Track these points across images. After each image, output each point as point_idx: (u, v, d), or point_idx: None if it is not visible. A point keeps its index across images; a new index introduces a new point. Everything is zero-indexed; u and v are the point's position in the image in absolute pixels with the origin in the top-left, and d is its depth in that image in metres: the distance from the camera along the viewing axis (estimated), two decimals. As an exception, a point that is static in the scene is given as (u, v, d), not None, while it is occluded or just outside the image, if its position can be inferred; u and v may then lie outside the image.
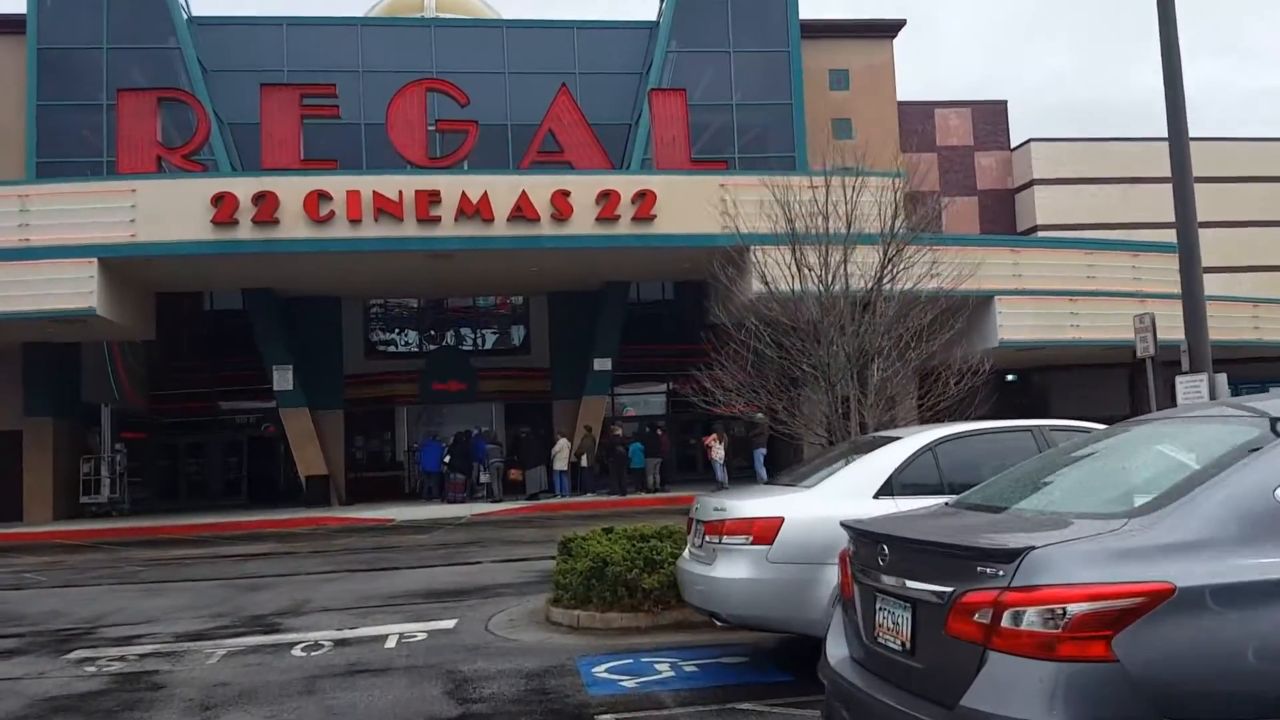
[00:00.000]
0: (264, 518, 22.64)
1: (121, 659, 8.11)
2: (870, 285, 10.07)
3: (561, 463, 25.24)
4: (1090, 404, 32.55)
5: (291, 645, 8.31)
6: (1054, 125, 69.55)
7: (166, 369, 29.68)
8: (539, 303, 30.16)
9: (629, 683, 6.31)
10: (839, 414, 9.37)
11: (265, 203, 21.21)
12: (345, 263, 22.76)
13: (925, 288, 10.91)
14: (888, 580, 3.39)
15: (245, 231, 21.33)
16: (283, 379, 25.29)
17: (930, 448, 6.31)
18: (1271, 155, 35.17)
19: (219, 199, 21.18)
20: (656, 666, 6.68)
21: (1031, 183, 32.73)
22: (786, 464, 26.59)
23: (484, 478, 25.54)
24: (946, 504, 4.10)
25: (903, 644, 3.31)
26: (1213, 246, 32.20)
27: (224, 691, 6.84)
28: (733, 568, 6.08)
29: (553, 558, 13.64)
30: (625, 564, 7.99)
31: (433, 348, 30.95)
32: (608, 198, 22.18)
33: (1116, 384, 30.87)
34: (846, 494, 6.20)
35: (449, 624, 8.82)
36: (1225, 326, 28.42)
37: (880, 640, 3.46)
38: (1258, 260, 33.37)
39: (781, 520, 6.01)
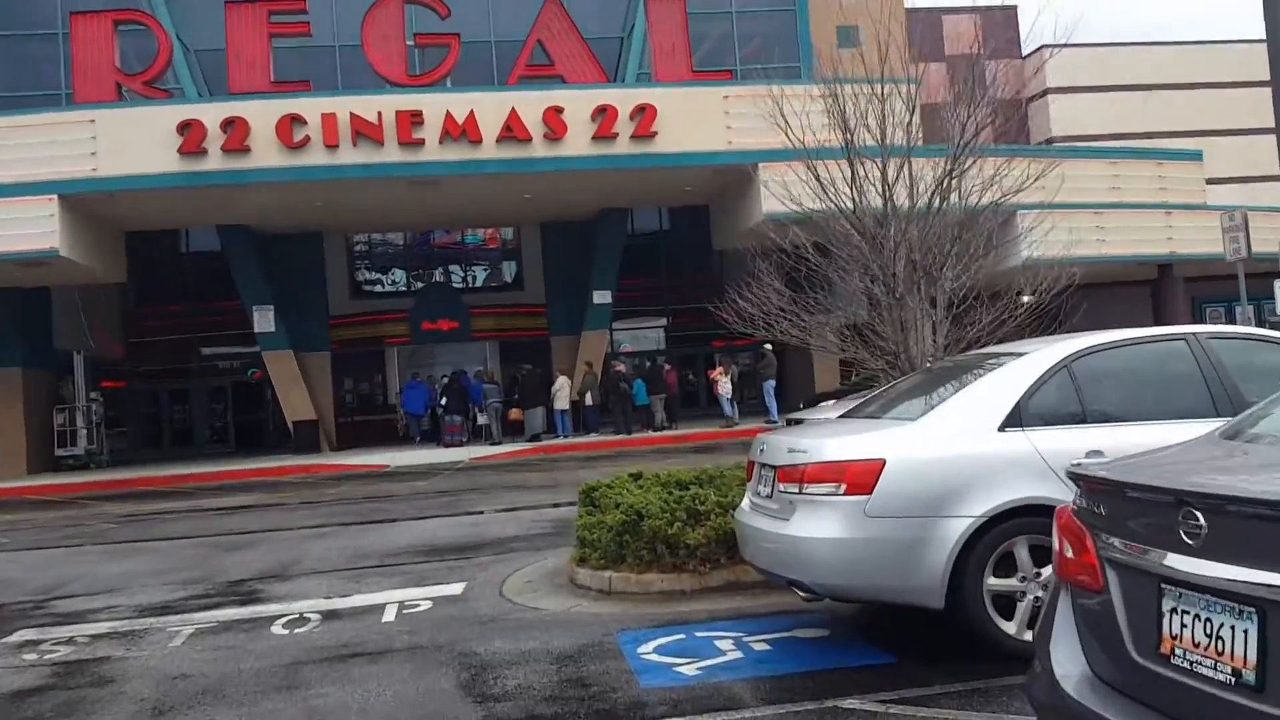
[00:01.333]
0: (250, 466, 21.35)
1: (70, 641, 6.83)
2: (931, 192, 8.64)
3: (563, 402, 23.94)
4: (1113, 325, 31.35)
5: (272, 620, 7.04)
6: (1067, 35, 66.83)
7: (143, 314, 28.25)
8: (531, 235, 28.61)
9: (688, 669, 5.02)
10: (901, 333, 8.03)
11: (234, 129, 19.63)
12: (324, 193, 21.21)
13: (983, 201, 9.43)
14: (1204, 567, 2.07)
15: (214, 161, 19.77)
16: (264, 320, 23.85)
17: (1066, 364, 4.96)
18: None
19: (185, 127, 19.60)
20: (717, 644, 5.40)
21: (1045, 92, 31.09)
22: (796, 396, 25.38)
23: (481, 419, 24.25)
24: (1220, 434, 2.76)
25: (1235, 671, 2.01)
26: (1238, 154, 30.84)
27: (184, 686, 5.57)
28: (819, 524, 4.77)
29: (562, 505, 12.43)
30: (664, 517, 6.69)
31: (420, 285, 29.45)
32: (604, 114, 20.61)
33: (1139, 303, 29.60)
34: (963, 427, 4.87)
35: (456, 588, 7.54)
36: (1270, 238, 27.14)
37: (1176, 659, 2.16)
38: (1280, 170, 31.89)
39: (883, 463, 4.69)
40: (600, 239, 24.95)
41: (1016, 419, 4.85)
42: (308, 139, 19.79)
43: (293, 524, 12.46)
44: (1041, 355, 5.04)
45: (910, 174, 8.59)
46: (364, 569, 8.78)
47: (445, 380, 25.20)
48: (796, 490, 4.91)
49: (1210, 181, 26.57)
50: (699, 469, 7.86)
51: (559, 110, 20.41)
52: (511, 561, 8.50)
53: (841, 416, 6.05)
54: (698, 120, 21.21)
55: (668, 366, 25.96)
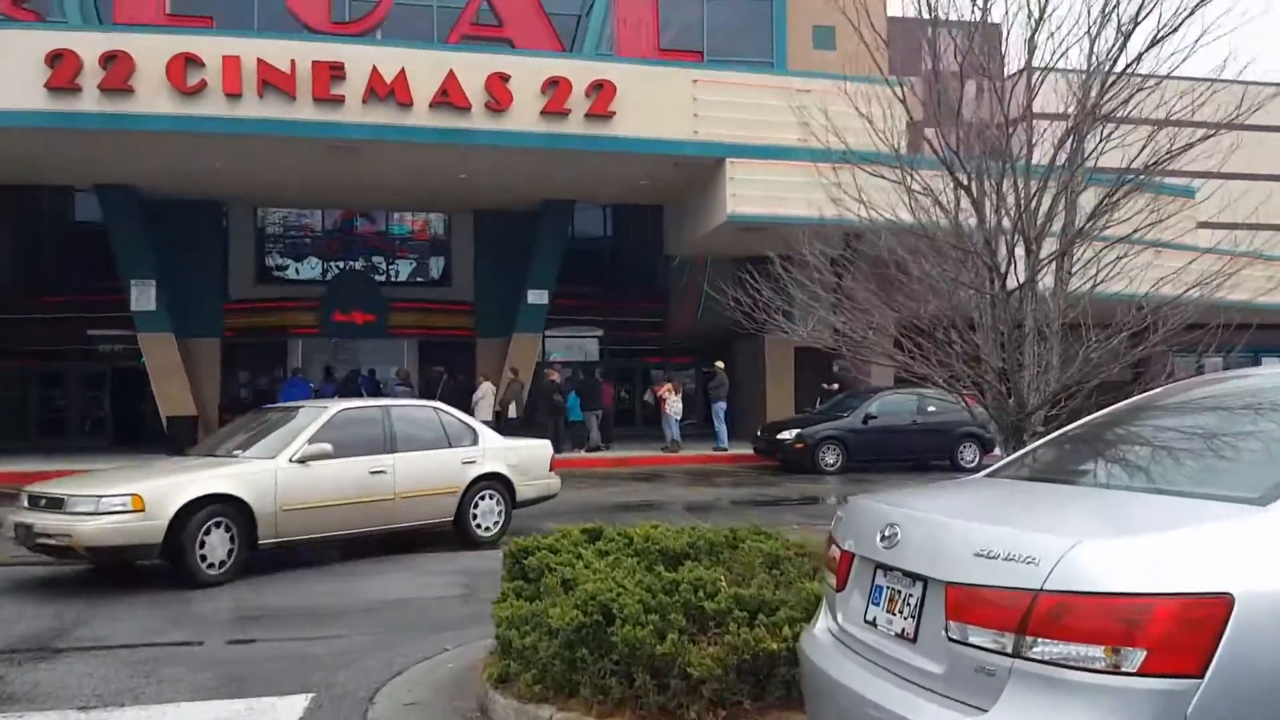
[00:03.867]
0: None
1: None
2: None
3: (485, 412, 20.94)
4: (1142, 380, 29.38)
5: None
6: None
7: (19, 286, 24.73)
8: (463, 224, 25.73)
9: None
10: (1008, 349, 5.41)
11: (116, 65, 16.45)
12: (223, 151, 18.04)
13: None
14: None
15: (90, 101, 16.53)
16: (143, 297, 20.55)
17: None
18: None
19: (56, 58, 16.35)
20: None
21: (1023, 115, 29.09)
22: (745, 422, 22.81)
23: None
24: None
25: None
26: (1221, 199, 29.30)
27: None
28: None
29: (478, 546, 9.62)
30: (649, 620, 3.94)
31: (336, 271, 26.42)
32: (556, 86, 17.89)
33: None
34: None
35: (294, 709, 4.66)
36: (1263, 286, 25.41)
37: None
38: None
39: (1229, 604, 2.04)
40: (541, 233, 22.20)
41: None
42: (204, 84, 16.69)
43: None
44: None
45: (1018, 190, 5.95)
46: (164, 648, 5.82)
47: (343, 380, 22.05)
48: (1005, 647, 2.21)
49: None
50: (692, 532, 5.12)
51: (504, 78, 17.65)
52: (392, 648, 5.64)
53: (989, 475, 3.35)
54: (662, 104, 18.63)
55: (601, 379, 23.14)
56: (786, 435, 17.38)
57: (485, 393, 21.01)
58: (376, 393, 21.63)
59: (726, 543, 4.89)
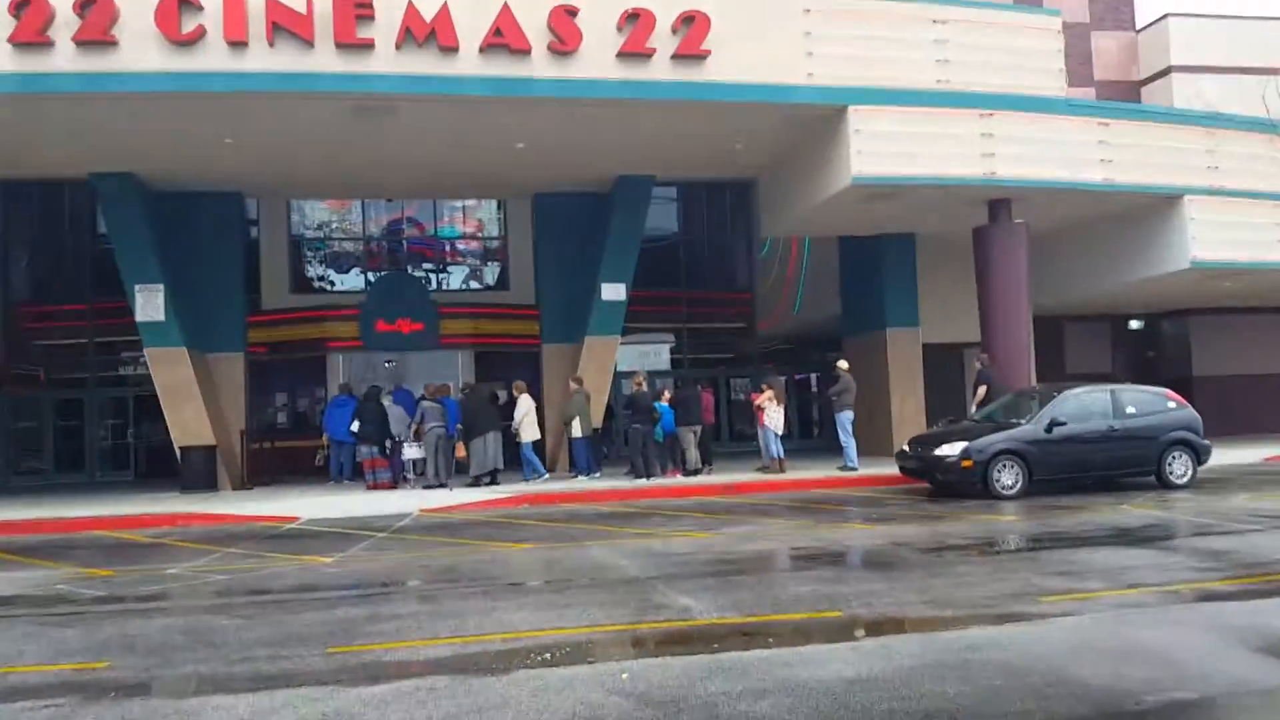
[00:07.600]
0: (95, 513, 14.57)
1: None
2: None
3: (530, 432, 17.16)
4: (1248, 360, 25.16)
5: None
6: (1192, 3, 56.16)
7: (30, 304, 22.01)
8: (521, 215, 22.37)
9: None
10: None
11: (94, 12, 13.26)
12: (228, 117, 14.76)
13: None
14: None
15: (64, 58, 13.34)
16: (149, 305, 17.27)
17: None
18: None
19: (21, 5, 13.18)
20: None
21: (1168, 70, 24.97)
22: (869, 435, 18.60)
23: (413, 451, 17.15)
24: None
25: None
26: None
27: None
28: None
29: (594, 642, 5.89)
30: None
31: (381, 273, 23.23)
32: (636, 20, 14.38)
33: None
34: None
35: None
36: None
37: None
38: None
39: None
40: (614, 216, 18.62)
41: None
42: (201, 31, 13.38)
43: None
44: None
45: None
46: None
47: (363, 396, 18.49)
48: None
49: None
50: None
51: (572, 12, 14.13)
52: None
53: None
54: (767, 40, 15.04)
55: (703, 389, 19.31)
56: (949, 451, 13.45)
57: (527, 409, 17.23)
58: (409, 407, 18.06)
59: None
